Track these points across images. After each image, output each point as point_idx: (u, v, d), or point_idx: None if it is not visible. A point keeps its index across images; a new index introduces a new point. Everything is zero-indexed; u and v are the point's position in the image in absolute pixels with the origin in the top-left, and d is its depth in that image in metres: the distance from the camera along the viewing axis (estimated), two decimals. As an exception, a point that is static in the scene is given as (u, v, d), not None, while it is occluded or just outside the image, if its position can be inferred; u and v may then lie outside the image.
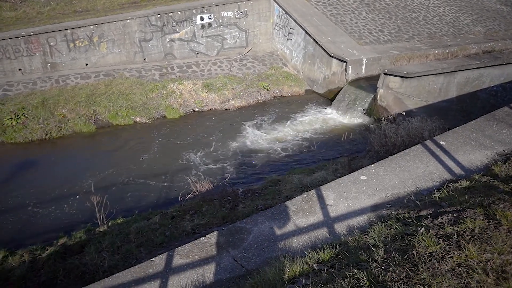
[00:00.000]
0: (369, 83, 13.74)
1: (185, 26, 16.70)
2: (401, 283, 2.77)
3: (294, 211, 4.68)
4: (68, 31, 14.92)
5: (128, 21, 15.70)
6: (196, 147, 11.60)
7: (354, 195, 4.85)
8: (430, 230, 3.37)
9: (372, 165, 5.52)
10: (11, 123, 12.06)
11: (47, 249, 6.39)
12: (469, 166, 5.18)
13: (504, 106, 7.06)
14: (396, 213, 4.20)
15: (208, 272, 3.88)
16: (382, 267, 3.02)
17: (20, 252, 6.38)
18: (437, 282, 2.68)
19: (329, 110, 14.21)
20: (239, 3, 17.19)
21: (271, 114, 13.92)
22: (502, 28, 19.62)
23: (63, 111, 12.93)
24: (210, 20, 17.00)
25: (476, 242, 3.02)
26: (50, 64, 15.04)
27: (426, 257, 2.98)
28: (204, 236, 4.49)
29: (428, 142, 5.96)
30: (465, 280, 2.67)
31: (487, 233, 3.13)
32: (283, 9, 17.00)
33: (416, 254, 3.05)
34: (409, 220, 3.84)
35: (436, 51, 14.39)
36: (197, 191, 7.71)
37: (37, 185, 9.67)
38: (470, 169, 5.09)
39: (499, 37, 18.01)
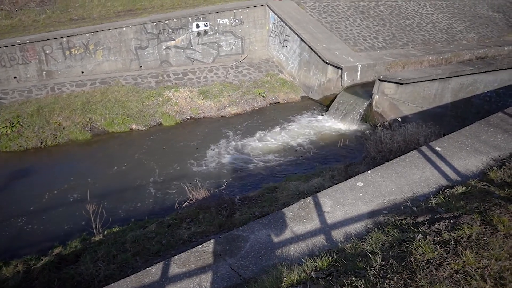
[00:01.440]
0: (364, 90, 13.82)
1: (181, 34, 16.76)
2: (399, 291, 2.75)
3: (291, 218, 4.66)
4: (64, 39, 14.93)
5: (124, 28, 15.74)
6: (192, 154, 11.57)
7: (351, 201, 4.84)
8: (427, 237, 3.36)
9: (369, 172, 5.52)
10: (6, 131, 11.99)
11: (42, 259, 6.31)
12: (465, 171, 5.20)
13: (498, 111, 7.11)
14: (393, 219, 4.20)
15: (205, 281, 3.84)
16: (380, 275, 3.01)
17: (14, 263, 6.29)
18: (435, 289, 2.67)
19: (325, 116, 14.25)
20: (234, 11, 17.30)
21: (267, 121, 13.94)
22: (495, 35, 19.88)
23: (59, 119, 12.88)
24: (206, 28, 17.08)
25: (473, 248, 3.02)
26: (46, 72, 15.01)
27: (424, 264, 2.97)
28: (201, 244, 4.45)
29: (424, 148, 5.98)
30: (463, 286, 2.66)
31: (484, 239, 3.13)
32: (279, 17, 17.13)
33: (413, 261, 3.05)
34: (406, 227, 3.83)
35: (430, 58, 14.53)
36: (193, 198, 7.67)
37: (31, 194, 9.58)
38: (466, 175, 5.10)
39: (492, 43, 18.23)
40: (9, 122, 12.15)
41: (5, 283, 5.70)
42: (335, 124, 13.57)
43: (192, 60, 17.32)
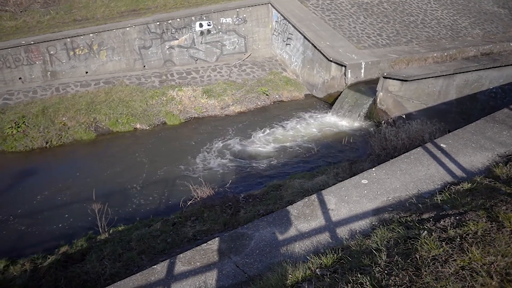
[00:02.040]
0: (368, 87, 13.76)
1: (184, 33, 16.79)
2: (404, 287, 2.75)
3: (296, 216, 4.66)
4: (68, 39, 15.01)
5: (127, 28, 15.79)
6: (196, 153, 11.59)
7: (355, 199, 4.83)
8: (433, 233, 3.35)
9: (373, 169, 5.51)
10: (12, 132, 12.08)
11: (48, 258, 6.36)
12: (470, 168, 5.17)
13: (504, 107, 7.06)
14: (398, 216, 4.19)
15: (210, 279, 3.85)
16: (385, 272, 3.01)
17: (21, 261, 6.35)
18: (441, 286, 2.66)
19: (329, 114, 14.22)
20: (237, 10, 17.29)
21: (271, 119, 13.94)
22: (500, 31, 19.70)
23: (64, 119, 12.96)
24: (209, 27, 17.09)
25: (479, 245, 3.00)
26: (50, 72, 15.09)
27: (429, 261, 2.96)
28: (206, 242, 4.47)
29: (429, 145, 5.95)
30: (469, 283, 2.65)
31: (490, 236, 3.11)
32: (282, 15, 17.10)
33: (419, 257, 3.04)
34: (411, 224, 3.82)
35: (435, 54, 14.43)
36: (198, 197, 7.69)
37: (38, 193, 9.66)
38: (472, 171, 5.08)
39: (497, 39, 18.07)
40: (15, 123, 12.24)
41: (13, 281, 5.76)
42: (339, 122, 13.53)
43: (196, 59, 17.34)
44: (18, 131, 12.15)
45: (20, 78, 14.73)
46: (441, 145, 5.86)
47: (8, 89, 14.23)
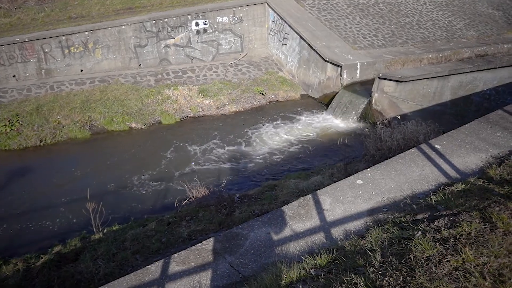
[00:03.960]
0: (364, 88, 13.81)
1: (180, 32, 16.73)
2: (398, 288, 2.76)
3: (291, 216, 4.66)
4: (63, 37, 14.89)
5: (123, 27, 15.71)
6: (191, 153, 11.57)
7: (350, 199, 4.84)
8: (427, 234, 3.37)
9: (368, 169, 5.52)
10: (5, 130, 11.98)
11: (42, 258, 6.31)
12: (464, 169, 5.20)
13: (498, 109, 7.11)
14: (392, 217, 4.20)
15: (204, 279, 3.84)
16: (380, 272, 3.02)
17: (14, 261, 6.30)
18: (434, 287, 2.68)
19: (324, 114, 14.25)
20: (234, 9, 17.27)
21: (267, 119, 13.94)
22: (494, 32, 19.85)
23: (58, 117, 12.86)
24: (205, 26, 17.05)
25: (472, 246, 3.02)
26: (45, 70, 14.98)
27: (423, 261, 2.97)
28: (201, 242, 4.46)
29: (423, 146, 5.98)
30: (462, 284, 2.67)
31: (483, 236, 3.13)
32: (278, 15, 17.10)
33: (413, 258, 3.05)
34: (405, 224, 3.84)
35: (430, 55, 14.52)
36: (193, 197, 7.67)
37: (31, 192, 9.59)
38: (465, 172, 5.11)
39: (491, 41, 18.21)
40: (9, 121, 12.14)
41: (5, 281, 5.71)
42: (334, 122, 13.57)
43: (192, 58, 17.29)
44: (11, 129, 12.05)
45: (14, 76, 14.59)
46: (436, 146, 5.89)
47: (1, 87, 14.09)
